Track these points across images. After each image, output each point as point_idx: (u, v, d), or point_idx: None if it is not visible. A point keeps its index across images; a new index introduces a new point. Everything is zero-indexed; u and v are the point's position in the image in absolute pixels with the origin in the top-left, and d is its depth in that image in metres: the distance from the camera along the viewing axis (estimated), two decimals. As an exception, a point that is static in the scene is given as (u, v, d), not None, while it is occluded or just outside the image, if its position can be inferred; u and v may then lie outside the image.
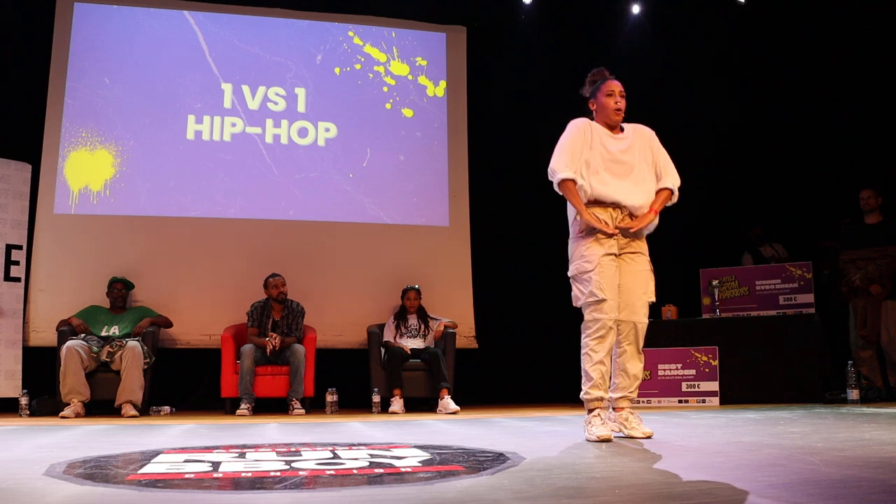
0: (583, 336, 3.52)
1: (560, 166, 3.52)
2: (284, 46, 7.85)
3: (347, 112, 7.88)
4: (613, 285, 3.51)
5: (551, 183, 3.58)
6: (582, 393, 3.51)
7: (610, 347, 3.51)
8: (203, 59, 7.64)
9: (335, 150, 7.78)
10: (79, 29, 7.38)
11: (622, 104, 3.68)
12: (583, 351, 3.52)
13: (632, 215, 3.57)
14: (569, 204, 3.59)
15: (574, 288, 3.56)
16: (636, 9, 8.45)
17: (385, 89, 8.00)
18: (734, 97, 8.39)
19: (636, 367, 3.62)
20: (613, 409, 3.61)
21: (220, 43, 7.70)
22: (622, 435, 3.54)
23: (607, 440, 3.30)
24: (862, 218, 6.91)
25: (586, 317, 3.51)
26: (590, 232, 3.50)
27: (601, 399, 3.47)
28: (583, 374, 3.51)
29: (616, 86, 3.75)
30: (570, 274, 3.59)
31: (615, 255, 3.54)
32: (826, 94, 7.94)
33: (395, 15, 8.14)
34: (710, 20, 8.31)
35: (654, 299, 3.70)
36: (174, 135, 7.45)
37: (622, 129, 3.72)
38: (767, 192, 8.24)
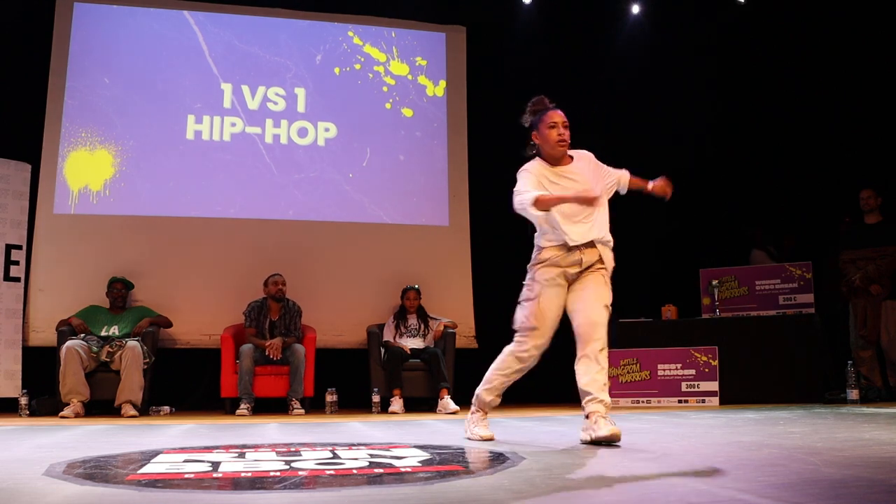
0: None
1: (526, 188, 3.45)
2: (284, 46, 7.85)
3: (347, 112, 7.87)
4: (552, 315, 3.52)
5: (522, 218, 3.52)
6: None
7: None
8: (203, 58, 7.64)
9: (335, 149, 7.77)
10: (78, 29, 7.38)
11: (566, 135, 3.54)
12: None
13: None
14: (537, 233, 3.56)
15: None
16: (636, 9, 8.46)
17: (385, 89, 8.00)
18: (734, 97, 8.39)
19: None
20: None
21: (219, 43, 7.70)
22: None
23: (489, 439, 3.44)
24: (862, 218, 6.91)
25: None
26: (542, 260, 3.53)
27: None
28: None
29: (559, 117, 3.60)
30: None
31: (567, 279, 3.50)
32: (826, 94, 7.93)
33: (394, 15, 8.13)
34: (709, 20, 8.32)
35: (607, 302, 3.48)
36: (174, 135, 7.45)
37: (571, 158, 3.61)
38: (767, 192, 8.24)
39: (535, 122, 3.68)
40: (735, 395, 6.45)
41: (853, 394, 6.16)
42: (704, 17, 8.30)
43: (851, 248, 6.85)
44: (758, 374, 6.63)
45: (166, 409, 6.38)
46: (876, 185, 6.90)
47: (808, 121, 8.00)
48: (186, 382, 7.10)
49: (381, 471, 2.38)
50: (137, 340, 6.15)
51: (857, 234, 6.88)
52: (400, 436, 3.87)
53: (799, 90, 8.09)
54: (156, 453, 2.96)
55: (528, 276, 3.62)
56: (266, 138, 7.63)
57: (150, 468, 2.50)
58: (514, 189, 3.51)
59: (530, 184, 3.46)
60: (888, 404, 5.97)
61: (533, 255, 3.61)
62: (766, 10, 8.24)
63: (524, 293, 3.60)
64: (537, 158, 3.64)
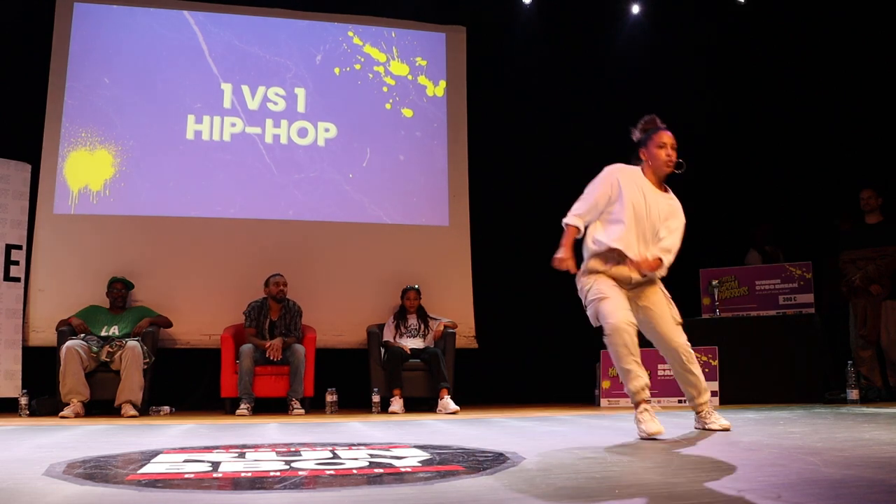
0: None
1: (575, 210, 3.69)
2: (284, 46, 7.85)
3: (347, 112, 7.87)
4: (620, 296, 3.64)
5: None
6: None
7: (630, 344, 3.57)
8: (203, 58, 7.64)
9: (335, 150, 7.78)
10: (78, 29, 7.38)
11: (674, 157, 3.75)
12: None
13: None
14: (585, 240, 3.74)
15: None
16: (636, 9, 8.46)
17: (385, 89, 8.00)
18: (734, 97, 8.39)
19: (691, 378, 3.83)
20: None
21: (219, 43, 7.70)
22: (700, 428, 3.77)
23: (658, 434, 3.40)
24: (862, 218, 6.91)
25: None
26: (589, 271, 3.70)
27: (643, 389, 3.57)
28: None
29: (669, 138, 3.79)
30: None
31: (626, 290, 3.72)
32: (826, 94, 7.93)
33: (394, 15, 8.14)
34: (709, 20, 8.32)
35: (680, 321, 3.86)
36: (174, 135, 7.45)
37: (667, 189, 3.85)
38: (767, 192, 8.24)
39: (645, 139, 3.84)
40: (735, 394, 6.45)
41: (853, 394, 6.16)
42: (704, 17, 8.30)
43: (852, 248, 6.85)
44: (758, 374, 6.63)
45: (166, 409, 6.38)
46: (876, 185, 6.90)
47: (808, 120, 8.00)
48: (186, 382, 7.10)
49: (381, 471, 2.38)
50: (137, 340, 6.15)
51: (857, 234, 6.88)
52: (400, 436, 3.87)
53: (799, 90, 8.08)
54: (156, 453, 2.96)
55: None
56: (266, 138, 7.64)
57: (150, 468, 2.49)
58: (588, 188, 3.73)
59: (598, 194, 3.67)
60: (888, 404, 5.96)
61: None
62: (765, 10, 8.24)
63: None
64: (640, 168, 3.82)
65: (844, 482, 2.03)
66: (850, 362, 6.30)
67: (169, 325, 6.69)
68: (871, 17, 7.70)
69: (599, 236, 3.66)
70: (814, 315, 6.76)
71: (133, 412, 5.84)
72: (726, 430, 3.66)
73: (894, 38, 7.59)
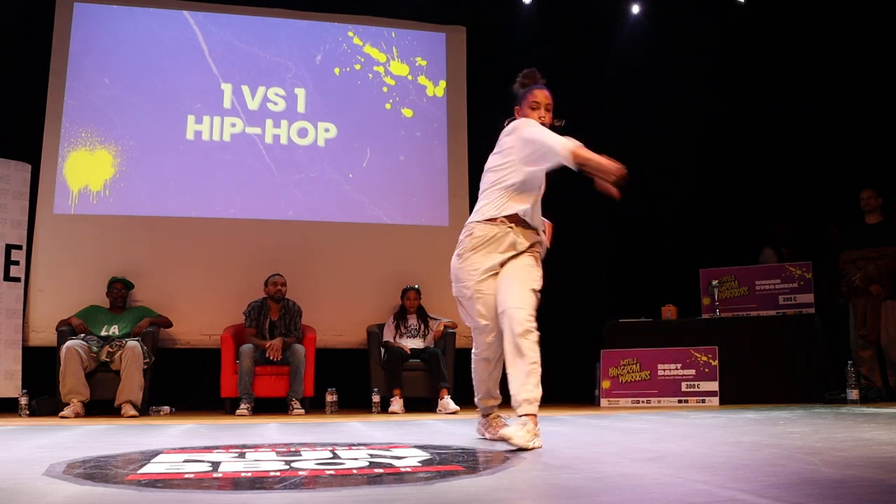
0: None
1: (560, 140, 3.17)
2: (284, 47, 7.85)
3: (347, 112, 7.87)
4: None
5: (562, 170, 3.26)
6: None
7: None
8: (203, 59, 7.64)
9: (335, 150, 7.78)
10: (78, 29, 7.38)
11: (546, 118, 3.39)
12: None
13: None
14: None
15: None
16: (636, 8, 8.46)
17: (385, 89, 8.00)
18: (734, 97, 8.39)
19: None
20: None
21: (219, 43, 7.70)
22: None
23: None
24: (863, 218, 6.92)
25: None
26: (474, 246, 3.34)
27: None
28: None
29: (544, 97, 3.45)
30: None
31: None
32: (826, 94, 7.93)
33: (394, 15, 8.14)
34: (709, 20, 8.32)
35: (535, 287, 3.29)
36: (174, 135, 7.45)
37: None
38: (768, 192, 8.24)
39: (520, 97, 3.54)
40: (735, 395, 6.46)
41: (853, 394, 6.16)
42: (704, 17, 8.30)
43: (852, 248, 6.86)
44: (758, 374, 6.63)
45: (166, 409, 6.38)
46: (876, 186, 6.91)
47: (808, 121, 8.00)
48: (186, 382, 7.10)
49: (381, 471, 2.38)
50: (137, 340, 6.15)
51: (857, 234, 6.89)
52: (400, 436, 3.87)
53: (799, 90, 8.08)
54: (156, 453, 2.96)
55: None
56: (266, 138, 7.63)
57: (150, 468, 2.49)
58: (538, 133, 3.25)
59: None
60: (888, 404, 5.96)
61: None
62: (765, 11, 8.24)
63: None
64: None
65: (844, 482, 2.03)
66: (850, 362, 6.30)
67: (169, 325, 6.69)
68: (870, 17, 7.71)
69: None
70: (814, 315, 6.77)
71: (133, 412, 5.84)
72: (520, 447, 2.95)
73: (893, 38, 7.60)
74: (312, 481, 2.19)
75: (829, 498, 1.80)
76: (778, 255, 7.80)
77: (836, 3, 7.81)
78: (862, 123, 7.73)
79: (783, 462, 2.45)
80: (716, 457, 2.67)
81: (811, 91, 8.01)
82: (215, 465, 2.57)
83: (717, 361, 6.52)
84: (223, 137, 7.55)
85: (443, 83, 8.16)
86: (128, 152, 7.31)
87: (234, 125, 7.59)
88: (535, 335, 3.14)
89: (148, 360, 6.18)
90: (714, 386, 6.46)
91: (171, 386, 6.78)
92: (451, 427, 4.50)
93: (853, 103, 7.79)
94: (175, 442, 3.55)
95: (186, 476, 2.32)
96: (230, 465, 2.58)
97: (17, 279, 6.61)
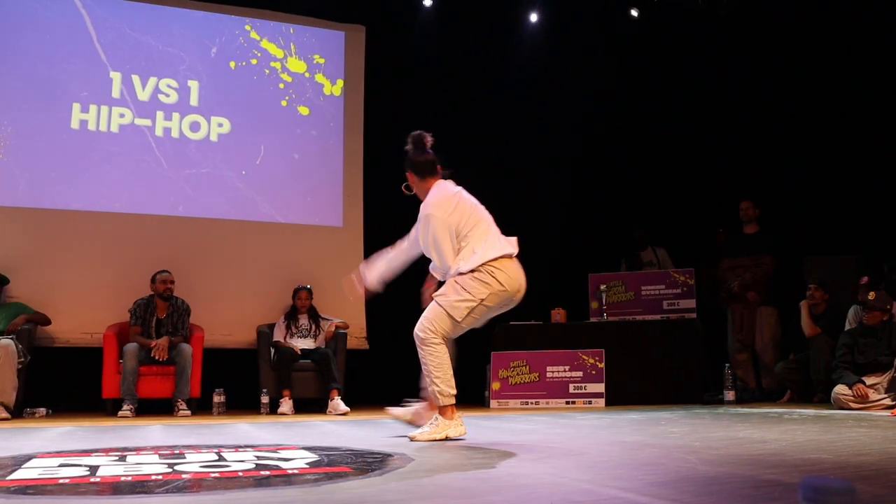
0: None
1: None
2: (178, 37, 7.62)
3: (242, 107, 7.72)
4: None
5: None
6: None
7: None
8: (90, 44, 7.33)
9: (228, 145, 7.61)
10: (-47, 7, 6.96)
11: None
12: None
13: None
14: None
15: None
16: (534, 17, 8.64)
17: (281, 86, 7.89)
18: (623, 108, 8.70)
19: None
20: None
21: (108, 29, 7.40)
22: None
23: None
24: (741, 227, 7.28)
25: None
26: None
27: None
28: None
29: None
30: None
31: None
32: (711, 110, 8.33)
33: (293, 11, 8.04)
34: (602, 30, 8.61)
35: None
36: (57, 123, 7.11)
37: None
38: (652, 199, 8.58)
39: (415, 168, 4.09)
40: (620, 396, 6.67)
41: (729, 395, 6.49)
42: (598, 28, 8.58)
43: (730, 256, 7.21)
44: (642, 376, 6.88)
45: (42, 410, 6.10)
46: (755, 197, 7.29)
47: (692, 135, 8.39)
48: (65, 383, 6.79)
49: (267, 473, 2.36)
50: (11, 338, 5.85)
51: (735, 244, 7.25)
52: (288, 437, 3.83)
53: (687, 105, 8.46)
54: (28, 457, 2.84)
55: None
56: (156, 131, 7.40)
57: (21, 473, 2.39)
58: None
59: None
60: (761, 405, 6.31)
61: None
62: (655, 25, 8.59)
63: None
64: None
65: (717, 479, 2.15)
66: (727, 365, 6.63)
67: (47, 322, 6.40)
68: (745, 30, 8.14)
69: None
70: (695, 320, 7.07)
71: (5, 414, 5.56)
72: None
73: (763, 55, 8.04)
74: (196, 484, 2.15)
75: (704, 494, 1.90)
76: (629, 262, 8.09)
77: (713, 19, 8.22)
78: (743, 138, 8.17)
79: (663, 461, 2.57)
80: (600, 456, 2.77)
81: (697, 106, 8.39)
82: (93, 469, 2.49)
83: (603, 364, 6.72)
84: (111, 128, 7.26)
85: (340, 82, 8.11)
86: (5, 139, 6.93)
87: (122, 115, 7.31)
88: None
89: (23, 359, 5.88)
90: (601, 388, 6.66)
91: (48, 386, 6.48)
92: (340, 428, 4.49)
93: (735, 120, 8.22)
94: (50, 445, 3.41)
95: (61, 481, 2.23)
96: (109, 468, 2.50)
97: None
